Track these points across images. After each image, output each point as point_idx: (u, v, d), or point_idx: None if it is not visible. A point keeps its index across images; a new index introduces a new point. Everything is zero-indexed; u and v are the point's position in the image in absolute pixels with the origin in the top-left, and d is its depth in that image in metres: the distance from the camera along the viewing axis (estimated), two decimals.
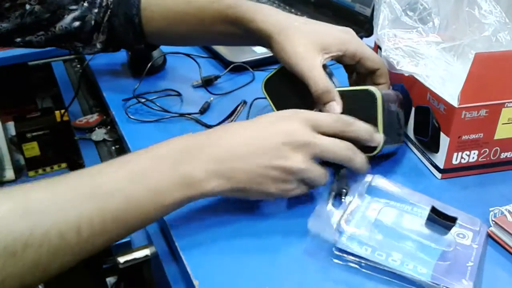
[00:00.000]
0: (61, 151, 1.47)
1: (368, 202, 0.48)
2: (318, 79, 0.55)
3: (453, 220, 0.43)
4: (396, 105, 0.56)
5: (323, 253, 0.45)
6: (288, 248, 0.47)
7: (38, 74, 1.34)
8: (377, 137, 0.52)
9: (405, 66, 0.56)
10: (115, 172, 0.44)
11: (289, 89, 0.61)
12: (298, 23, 0.59)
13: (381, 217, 0.46)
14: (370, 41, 0.90)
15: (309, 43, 0.56)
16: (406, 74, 0.58)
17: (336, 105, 0.54)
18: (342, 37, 0.59)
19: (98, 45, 0.73)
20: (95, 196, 0.42)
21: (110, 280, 0.78)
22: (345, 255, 0.43)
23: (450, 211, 0.44)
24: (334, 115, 0.52)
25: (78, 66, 1.06)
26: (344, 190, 0.50)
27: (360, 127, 0.51)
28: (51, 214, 0.40)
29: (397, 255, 0.43)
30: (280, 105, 0.62)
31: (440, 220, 0.43)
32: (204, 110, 0.71)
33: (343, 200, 0.49)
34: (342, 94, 0.55)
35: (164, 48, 0.86)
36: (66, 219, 0.40)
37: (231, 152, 0.46)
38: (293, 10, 1.02)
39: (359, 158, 0.50)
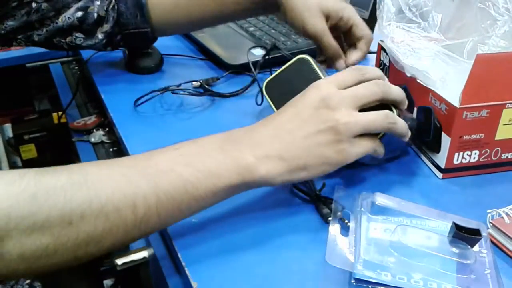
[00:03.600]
0: (58, 153, 1.46)
1: (374, 223, 0.46)
2: (331, 41, 0.67)
3: (477, 233, 0.42)
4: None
5: (339, 285, 0.42)
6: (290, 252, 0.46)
7: (36, 76, 1.33)
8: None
9: (409, 62, 0.55)
10: (167, 155, 0.44)
11: (290, 91, 0.60)
12: None
13: (392, 237, 0.44)
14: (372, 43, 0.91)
15: (317, 7, 0.67)
16: (408, 75, 0.58)
17: (343, 62, 0.67)
18: (340, 3, 0.69)
19: (100, 36, 0.74)
20: (150, 174, 0.42)
21: (107, 282, 0.77)
22: (364, 284, 0.41)
23: (455, 218, 0.44)
24: (346, 68, 0.53)
25: (76, 68, 1.05)
26: (344, 215, 0.48)
27: (370, 69, 0.52)
28: (108, 188, 0.40)
29: (418, 275, 0.41)
30: (280, 106, 0.61)
31: (466, 236, 0.42)
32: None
33: (348, 224, 0.47)
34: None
35: (162, 49, 0.86)
36: (122, 194, 0.40)
37: (275, 133, 0.46)
38: None
39: (393, 88, 0.50)
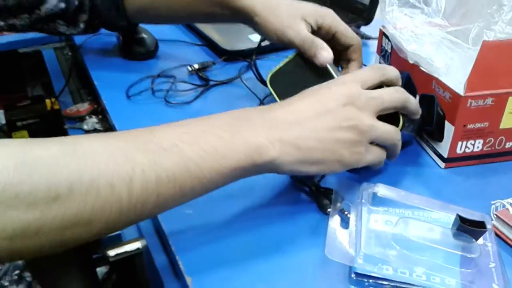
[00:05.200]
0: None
1: (375, 215, 0.45)
2: (305, 38, 0.59)
3: (482, 226, 0.41)
4: None
5: (339, 279, 0.40)
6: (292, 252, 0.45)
7: (29, 62, 1.30)
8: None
9: (412, 49, 0.54)
10: (171, 131, 0.40)
11: (296, 84, 0.59)
12: None
13: (394, 229, 0.43)
14: (369, 29, 0.88)
15: (291, 15, 0.61)
16: (411, 62, 0.56)
17: (325, 51, 0.58)
18: (320, 10, 0.63)
19: (81, 25, 0.73)
20: (150, 150, 0.38)
21: (102, 269, 0.76)
22: (364, 279, 0.39)
23: (458, 210, 0.42)
24: (367, 67, 0.51)
25: (69, 53, 1.03)
26: (344, 207, 0.47)
27: (388, 67, 0.50)
28: (102, 161, 0.36)
29: (420, 269, 0.39)
30: (285, 98, 0.59)
31: (470, 229, 0.41)
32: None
33: (348, 216, 0.45)
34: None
35: (157, 34, 0.83)
36: (117, 168, 0.36)
37: (294, 118, 0.43)
38: None
39: (411, 98, 0.49)
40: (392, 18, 0.55)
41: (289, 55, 0.61)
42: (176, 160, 0.38)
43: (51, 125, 1.38)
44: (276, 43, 0.64)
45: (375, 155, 0.47)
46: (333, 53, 0.61)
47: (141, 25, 0.85)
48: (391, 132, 0.47)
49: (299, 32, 0.60)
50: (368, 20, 0.89)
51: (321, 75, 0.58)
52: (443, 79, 0.52)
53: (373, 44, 0.85)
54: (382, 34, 0.66)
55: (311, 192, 0.49)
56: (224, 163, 0.40)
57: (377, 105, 0.46)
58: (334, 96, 0.45)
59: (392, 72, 0.50)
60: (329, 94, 0.45)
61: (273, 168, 0.43)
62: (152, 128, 0.41)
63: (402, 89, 0.49)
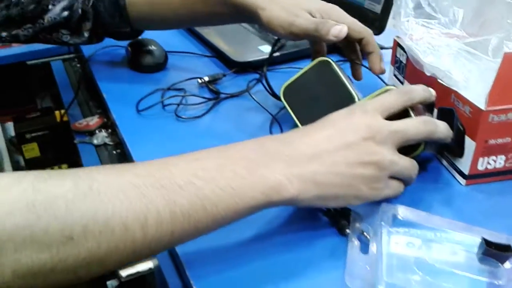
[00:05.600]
0: (61, 152, 1.43)
1: (395, 236, 0.43)
2: (316, 20, 0.58)
3: (509, 249, 0.39)
4: (425, 108, 0.52)
5: None
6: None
7: (37, 74, 1.30)
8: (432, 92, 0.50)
9: (430, 61, 0.52)
10: (186, 166, 0.39)
11: (310, 97, 0.58)
12: None
13: (416, 253, 0.41)
14: (381, 39, 0.86)
15: (297, 7, 0.60)
16: (428, 74, 0.54)
17: (339, 26, 0.57)
18: (324, 5, 0.62)
19: (85, 34, 0.72)
20: (165, 187, 0.37)
21: (112, 283, 0.74)
22: None
23: (482, 232, 0.40)
24: (391, 91, 0.48)
25: (78, 65, 1.02)
26: (363, 228, 0.45)
27: (419, 89, 0.48)
28: (116, 199, 0.35)
29: None
30: (300, 114, 0.58)
31: (497, 253, 0.39)
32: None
33: (367, 237, 0.44)
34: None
35: (166, 46, 0.82)
36: (132, 207, 0.35)
37: (312, 152, 0.42)
38: None
39: (441, 124, 0.48)
40: (408, 29, 0.53)
41: (303, 67, 0.60)
42: (192, 198, 0.37)
43: (60, 137, 1.38)
44: (294, 51, 0.63)
45: (393, 189, 0.46)
46: (345, 50, 0.64)
47: (150, 37, 0.85)
48: (409, 168, 0.46)
49: (309, 18, 0.59)
50: (380, 30, 0.87)
51: (336, 88, 0.56)
52: (463, 92, 0.51)
53: (386, 54, 0.83)
54: (397, 44, 0.64)
55: (328, 212, 0.48)
56: (241, 201, 0.39)
57: (399, 138, 0.45)
58: (355, 128, 0.43)
59: (421, 94, 0.48)
60: (349, 126, 0.44)
61: (291, 204, 0.42)
62: (167, 160, 0.40)
63: (430, 119, 0.47)
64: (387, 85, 0.53)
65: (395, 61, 0.65)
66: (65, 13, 0.69)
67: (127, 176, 0.37)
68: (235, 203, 0.39)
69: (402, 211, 0.45)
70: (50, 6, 0.68)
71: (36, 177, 0.35)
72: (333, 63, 0.57)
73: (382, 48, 0.83)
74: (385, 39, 0.85)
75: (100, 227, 0.34)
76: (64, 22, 0.70)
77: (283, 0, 0.61)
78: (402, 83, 0.64)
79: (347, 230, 0.45)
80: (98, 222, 0.34)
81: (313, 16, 0.60)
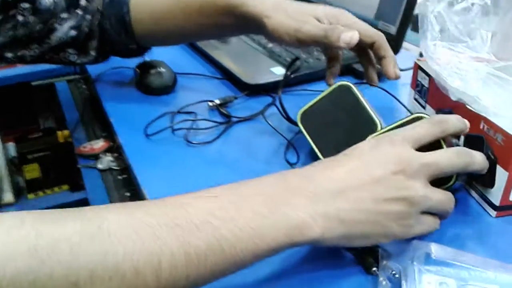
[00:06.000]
0: (62, 173, 1.41)
1: (427, 276, 0.39)
2: (325, 27, 0.56)
3: None
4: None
5: None
6: None
7: (42, 94, 1.28)
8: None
9: (457, 85, 0.49)
10: (202, 204, 0.36)
11: (329, 122, 0.55)
12: (288, 2, 0.60)
13: None
14: (397, 59, 0.84)
15: (304, 14, 0.58)
16: (454, 99, 0.52)
17: (350, 32, 0.55)
18: (332, 10, 0.60)
19: (92, 53, 0.71)
20: (180, 226, 0.34)
21: None
22: None
23: None
24: (422, 121, 0.45)
25: (84, 86, 1.00)
26: (393, 268, 0.41)
27: (453, 119, 0.45)
28: (128, 241, 0.32)
29: None
30: (318, 140, 0.55)
31: None
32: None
33: (397, 276, 0.40)
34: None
35: (175, 68, 0.80)
36: (144, 249, 0.32)
37: (336, 188, 0.39)
38: None
39: (477, 155, 0.45)
40: (434, 53, 0.51)
41: (317, 89, 0.57)
42: (208, 239, 0.34)
43: (62, 157, 1.35)
44: (308, 73, 0.60)
45: (427, 225, 0.43)
46: (357, 56, 0.63)
47: (159, 58, 0.82)
48: (444, 202, 0.43)
49: (317, 24, 0.57)
50: (395, 51, 0.84)
51: (356, 113, 0.53)
52: (493, 119, 0.48)
53: (404, 77, 0.80)
54: (418, 67, 0.62)
55: (353, 248, 0.44)
56: (261, 242, 0.36)
57: (432, 171, 0.41)
58: (382, 161, 0.40)
59: (456, 125, 0.45)
60: (376, 158, 0.41)
61: (314, 244, 0.39)
62: (180, 198, 0.37)
63: (465, 150, 0.44)
64: (412, 112, 0.49)
65: (416, 85, 0.62)
66: (73, 32, 0.67)
67: (139, 214, 0.34)
68: (255, 244, 0.35)
69: (434, 249, 0.42)
70: (57, 26, 0.66)
71: (38, 219, 0.32)
72: (353, 87, 0.54)
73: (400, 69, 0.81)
74: (400, 60, 0.83)
75: (110, 273, 0.31)
76: (71, 42, 0.68)
77: (289, 8, 0.59)
78: (424, 107, 0.61)
79: (374, 269, 0.41)
80: (107, 268, 0.31)
81: (321, 22, 0.58)
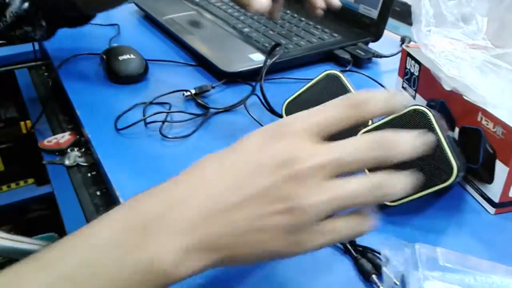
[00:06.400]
0: (27, 166, 1.33)
1: (430, 282, 0.36)
2: None
3: None
4: (446, 126, 0.46)
5: None
6: None
7: (1, 83, 1.19)
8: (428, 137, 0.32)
9: (453, 74, 0.46)
10: (33, 276, 0.30)
11: None
12: None
13: None
14: (378, 46, 0.81)
15: None
16: (448, 88, 0.49)
17: None
18: None
19: (43, 23, 0.69)
20: None
21: None
22: None
23: None
24: (334, 101, 0.33)
25: (46, 74, 0.93)
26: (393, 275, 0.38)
27: (374, 99, 0.32)
28: None
29: None
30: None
31: None
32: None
33: (397, 283, 0.37)
34: (384, 127, 0.44)
35: (146, 54, 0.75)
36: None
37: (207, 208, 0.31)
38: (282, 8, 0.91)
39: (403, 144, 0.31)
40: (430, 40, 0.47)
41: (298, 76, 0.53)
42: None
43: (26, 149, 1.27)
44: (288, 59, 0.57)
45: (332, 235, 0.32)
46: None
47: (127, 43, 0.77)
48: (359, 194, 0.31)
49: None
50: (377, 36, 0.82)
51: None
52: (492, 110, 0.45)
53: (387, 63, 0.77)
54: (406, 54, 0.58)
55: (347, 251, 0.41)
56: None
57: (331, 170, 0.31)
58: (265, 160, 0.31)
59: (381, 106, 0.32)
60: (259, 157, 0.32)
61: (192, 276, 0.31)
62: (15, 270, 0.30)
63: (386, 139, 0.31)
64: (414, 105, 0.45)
65: (405, 73, 0.59)
66: (25, 5, 0.64)
67: None
68: None
69: (436, 252, 0.39)
70: (8, 0, 0.63)
71: None
72: (342, 76, 0.50)
73: (381, 56, 0.77)
74: (383, 46, 0.80)
75: None
76: (25, 15, 0.65)
77: None
78: (413, 97, 0.58)
79: (373, 276, 0.38)
80: None
81: None
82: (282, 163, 0.31)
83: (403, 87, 0.60)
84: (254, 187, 0.31)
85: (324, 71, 0.51)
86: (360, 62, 0.76)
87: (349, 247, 0.41)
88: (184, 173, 0.34)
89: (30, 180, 1.38)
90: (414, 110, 0.43)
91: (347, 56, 0.76)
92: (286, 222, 0.30)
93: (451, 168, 0.41)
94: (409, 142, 0.31)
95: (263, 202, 0.30)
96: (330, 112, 0.32)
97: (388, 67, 0.76)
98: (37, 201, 1.35)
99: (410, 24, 0.89)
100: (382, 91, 0.36)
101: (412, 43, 0.64)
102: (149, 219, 0.31)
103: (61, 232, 0.60)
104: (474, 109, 0.47)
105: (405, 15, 0.91)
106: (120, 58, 0.72)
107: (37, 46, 0.95)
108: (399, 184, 0.31)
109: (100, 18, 1.00)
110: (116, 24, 0.91)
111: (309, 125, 0.32)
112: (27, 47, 0.95)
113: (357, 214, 0.32)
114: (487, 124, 0.45)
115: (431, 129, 0.43)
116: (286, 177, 0.30)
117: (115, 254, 0.30)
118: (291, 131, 0.32)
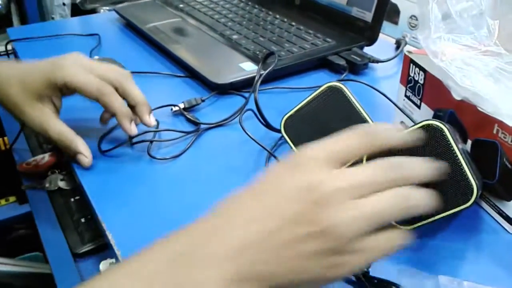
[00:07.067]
0: (7, 184, 1.27)
1: None
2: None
3: None
4: (460, 139, 0.42)
5: None
6: None
7: None
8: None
9: (465, 84, 0.42)
10: None
11: (318, 130, 0.47)
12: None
13: None
14: (373, 50, 0.78)
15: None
16: (458, 98, 0.45)
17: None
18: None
19: None
20: None
21: None
22: None
23: None
24: (348, 132, 0.35)
25: None
26: None
27: (384, 132, 0.35)
28: None
29: None
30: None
31: None
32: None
33: None
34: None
35: (129, 66, 0.70)
36: None
37: (246, 236, 0.31)
38: (271, 13, 0.87)
39: (417, 170, 0.33)
40: (439, 48, 0.44)
41: (292, 86, 0.49)
42: None
43: (5, 168, 1.21)
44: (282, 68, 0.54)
45: (372, 252, 0.32)
46: None
47: (110, 55, 0.72)
48: (387, 207, 0.32)
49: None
50: (372, 40, 0.78)
51: (350, 119, 0.46)
52: (510, 122, 0.41)
53: (384, 68, 0.74)
54: (409, 61, 0.55)
55: (361, 285, 0.37)
56: None
57: (353, 192, 0.32)
58: (288, 193, 0.32)
59: (390, 137, 0.35)
60: (282, 192, 0.32)
61: None
62: None
63: (403, 162, 0.33)
64: (412, 118, 0.42)
65: (408, 81, 0.56)
66: None
67: None
68: None
69: (463, 286, 0.35)
70: None
71: None
72: (345, 90, 0.47)
73: (377, 61, 0.74)
74: (378, 50, 0.77)
75: None
76: None
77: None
78: (418, 107, 0.54)
79: None
80: None
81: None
82: (306, 189, 0.32)
83: (406, 96, 0.57)
84: (287, 213, 0.31)
85: (326, 84, 0.47)
86: (356, 68, 0.73)
87: (363, 279, 0.37)
88: (215, 209, 0.34)
89: (12, 199, 1.32)
90: (429, 125, 0.39)
91: (342, 62, 0.73)
92: (323, 245, 0.31)
93: (471, 189, 0.38)
94: (424, 166, 0.34)
95: (297, 227, 0.31)
96: (345, 141, 0.34)
97: (386, 73, 0.73)
98: (20, 220, 1.29)
99: (395, 23, 0.87)
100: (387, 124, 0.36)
101: (413, 48, 0.61)
102: (186, 253, 0.31)
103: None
104: (489, 121, 0.43)
105: (390, 14, 0.87)
106: None
107: (13, 58, 0.90)
108: (424, 196, 0.33)
109: (80, 27, 0.95)
110: (96, 34, 0.86)
111: (328, 153, 0.33)
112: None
113: (387, 229, 0.33)
114: (505, 137, 0.42)
115: (447, 146, 0.39)
116: (314, 202, 0.31)
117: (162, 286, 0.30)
118: (311, 160, 0.33)
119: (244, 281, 0.30)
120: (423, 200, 0.32)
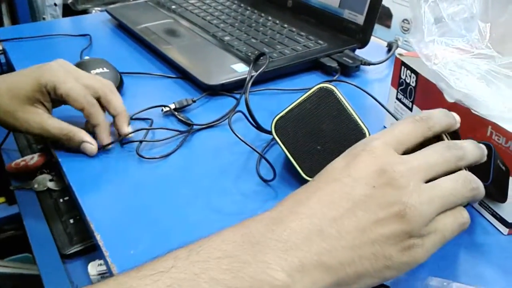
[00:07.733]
0: None
1: None
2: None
3: None
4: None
5: None
6: None
7: None
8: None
9: (459, 86, 0.42)
10: (148, 282, 0.28)
11: (309, 131, 0.47)
12: None
13: None
14: (365, 53, 0.77)
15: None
16: (451, 100, 0.45)
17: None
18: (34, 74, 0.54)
19: None
20: None
21: None
22: None
23: None
24: (403, 120, 0.37)
25: None
26: None
27: (437, 114, 0.38)
28: None
29: None
30: (297, 152, 0.48)
31: None
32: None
33: None
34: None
35: (120, 67, 0.69)
36: None
37: (309, 227, 0.31)
38: (263, 15, 0.87)
39: (466, 144, 0.37)
40: (432, 51, 0.44)
41: (283, 87, 0.49)
42: None
43: None
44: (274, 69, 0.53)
45: (443, 234, 0.33)
46: None
47: (101, 56, 0.71)
48: (456, 189, 0.34)
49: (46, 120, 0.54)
50: (363, 42, 0.78)
51: (341, 121, 0.46)
52: (503, 124, 0.41)
53: (375, 71, 0.74)
54: (401, 63, 0.55)
55: None
56: None
57: (422, 173, 0.33)
58: (361, 177, 0.32)
59: (443, 120, 0.38)
60: (352, 171, 0.33)
61: None
62: (120, 280, 0.29)
63: (455, 144, 0.36)
64: (396, 116, 0.42)
65: (399, 83, 0.55)
66: None
67: None
68: None
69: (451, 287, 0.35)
70: None
71: None
72: (336, 91, 0.46)
73: (369, 64, 0.74)
74: (370, 53, 0.77)
75: None
76: None
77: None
78: (410, 109, 0.54)
79: None
80: None
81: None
82: (379, 172, 0.32)
83: (397, 98, 0.57)
84: (357, 198, 0.32)
85: (317, 85, 0.47)
86: (348, 70, 0.73)
87: None
88: (282, 201, 0.34)
89: (1, 199, 1.31)
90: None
91: (334, 64, 0.73)
92: (398, 228, 0.31)
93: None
94: (471, 148, 0.37)
95: (370, 209, 0.31)
96: (403, 128, 0.36)
97: (377, 75, 0.73)
98: (9, 221, 1.28)
99: (388, 26, 0.87)
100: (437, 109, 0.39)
101: (403, 51, 0.61)
102: (258, 237, 0.31)
103: None
104: (482, 123, 0.43)
105: (382, 17, 0.87)
106: (93, 72, 0.67)
107: (3, 59, 0.89)
108: (477, 179, 0.36)
109: (71, 28, 0.94)
110: (87, 35, 0.86)
111: (387, 141, 0.35)
112: None
113: (453, 209, 0.34)
114: (499, 139, 0.42)
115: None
116: (384, 184, 0.32)
117: (229, 267, 0.29)
118: (371, 147, 0.34)
119: (309, 271, 0.30)
120: (479, 182, 0.36)
